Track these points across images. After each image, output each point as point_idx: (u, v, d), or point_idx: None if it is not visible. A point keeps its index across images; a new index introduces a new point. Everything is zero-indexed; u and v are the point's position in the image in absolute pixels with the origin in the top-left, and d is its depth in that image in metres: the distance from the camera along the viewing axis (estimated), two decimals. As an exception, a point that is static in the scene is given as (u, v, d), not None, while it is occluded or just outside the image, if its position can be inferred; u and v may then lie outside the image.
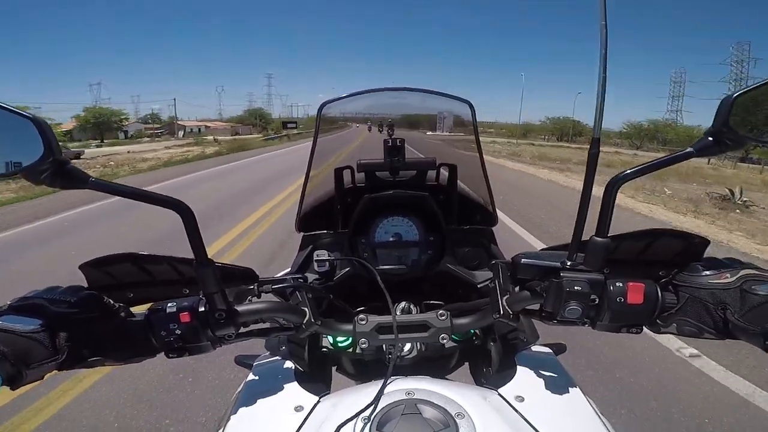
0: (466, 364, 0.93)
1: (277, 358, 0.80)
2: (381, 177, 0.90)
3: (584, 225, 0.56)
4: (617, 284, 0.55)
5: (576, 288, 0.54)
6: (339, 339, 0.82)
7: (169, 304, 0.56)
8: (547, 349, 0.81)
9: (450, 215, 0.90)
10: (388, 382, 0.60)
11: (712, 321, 0.53)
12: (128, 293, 0.64)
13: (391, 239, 0.87)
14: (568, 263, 0.57)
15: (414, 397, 0.58)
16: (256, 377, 0.75)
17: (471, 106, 0.86)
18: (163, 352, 0.58)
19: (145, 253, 0.63)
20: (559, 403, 0.65)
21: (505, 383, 0.67)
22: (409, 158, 0.87)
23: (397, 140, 0.84)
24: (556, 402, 0.65)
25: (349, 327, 0.70)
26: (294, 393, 0.67)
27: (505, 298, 0.65)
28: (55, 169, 0.44)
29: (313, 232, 0.90)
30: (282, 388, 0.68)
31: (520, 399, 0.64)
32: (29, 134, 0.43)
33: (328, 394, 0.67)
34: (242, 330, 0.61)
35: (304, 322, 0.64)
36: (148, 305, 0.59)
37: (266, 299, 0.66)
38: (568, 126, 77.76)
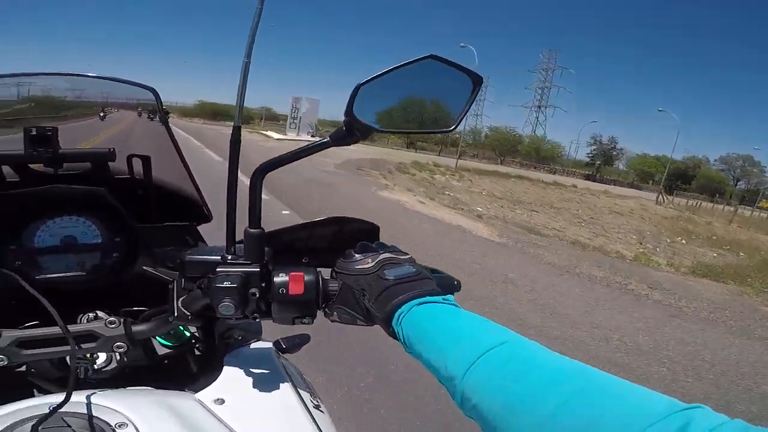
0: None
1: None
2: (42, 171, 0.73)
3: (236, 214, 0.54)
4: (280, 275, 0.55)
5: (225, 284, 0.52)
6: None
7: None
8: (266, 345, 0.79)
9: (147, 211, 0.79)
10: (43, 399, 0.53)
11: (359, 308, 0.54)
12: None
13: (59, 243, 0.73)
14: (229, 257, 0.55)
15: (64, 410, 0.49)
16: None
17: (155, 93, 0.76)
18: None
19: None
20: (264, 402, 0.63)
21: (207, 386, 0.63)
22: (70, 149, 0.72)
23: (47, 129, 0.68)
24: (260, 401, 0.63)
25: None
26: None
27: (181, 299, 0.61)
28: None
29: None
30: None
31: (220, 401, 0.60)
32: None
33: None
34: None
35: None
36: None
37: None
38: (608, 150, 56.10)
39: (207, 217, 0.85)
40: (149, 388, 0.65)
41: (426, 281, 0.51)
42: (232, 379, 0.66)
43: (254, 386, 0.65)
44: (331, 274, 0.59)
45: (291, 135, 29.29)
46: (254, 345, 0.78)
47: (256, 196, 0.52)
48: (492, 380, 0.35)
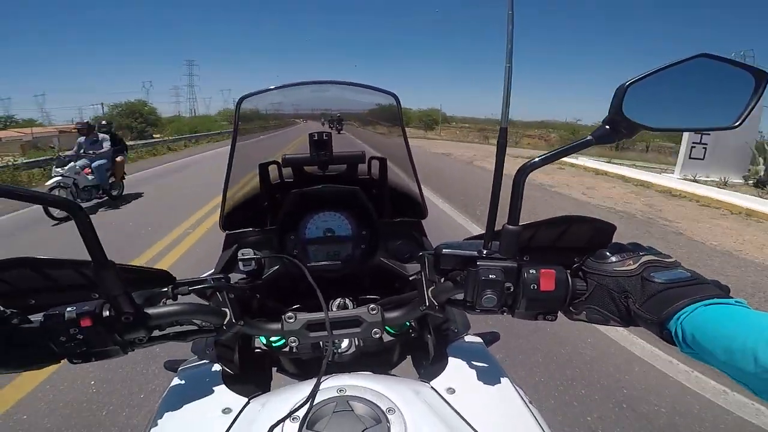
0: (410, 357, 0.94)
1: (204, 361, 0.77)
2: (310, 172, 0.89)
3: (497, 213, 0.57)
4: (531, 271, 0.56)
5: (491, 276, 0.55)
6: (273, 339, 0.81)
7: (68, 309, 0.53)
8: (478, 339, 0.82)
9: (382, 209, 0.90)
10: (321, 380, 0.59)
11: (616, 309, 0.54)
12: (29, 300, 0.59)
13: (323, 235, 0.86)
14: (485, 252, 0.57)
15: (345, 393, 0.57)
16: (182, 381, 0.73)
17: (396, 99, 0.87)
18: (66, 358, 0.55)
19: (44, 257, 0.58)
20: (489, 394, 0.66)
21: (438, 375, 0.68)
22: (337, 152, 0.86)
23: (324, 134, 0.84)
24: (486, 393, 0.66)
25: (277, 326, 0.68)
26: (222, 395, 0.66)
27: (430, 289, 0.65)
28: None
29: (238, 230, 0.87)
30: (209, 391, 0.66)
31: (452, 391, 0.64)
32: None
33: (259, 395, 0.65)
34: (157, 333, 0.59)
35: (225, 323, 0.63)
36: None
37: (183, 301, 0.63)
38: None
39: (424, 214, 0.92)
40: (368, 372, 0.70)
41: (706, 286, 0.49)
42: (458, 370, 0.70)
43: (479, 378, 0.68)
44: (576, 273, 0.59)
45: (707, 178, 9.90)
46: (467, 338, 0.82)
47: (518, 194, 0.54)
48: None
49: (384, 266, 0.86)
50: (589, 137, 0.53)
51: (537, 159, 0.55)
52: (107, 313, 0.53)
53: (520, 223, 0.55)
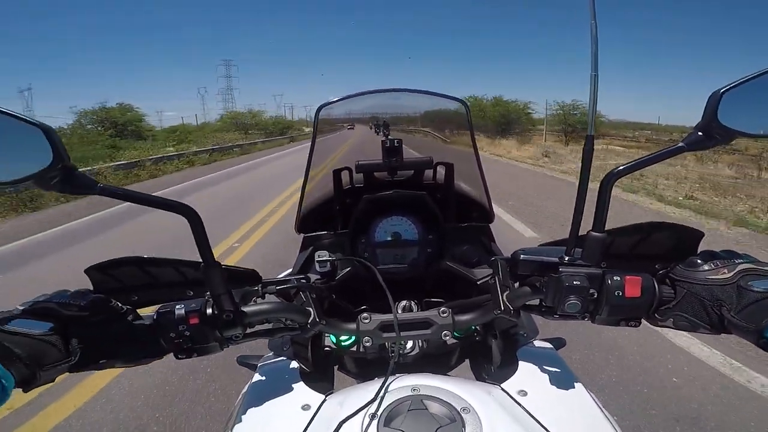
0: (467, 360, 0.94)
1: (281, 358, 0.81)
2: (379, 177, 0.91)
3: (581, 220, 0.57)
4: (615, 278, 0.56)
5: (575, 282, 0.55)
6: (342, 338, 0.84)
7: (177, 306, 0.57)
8: (547, 344, 0.82)
9: (448, 213, 0.91)
10: (391, 379, 0.61)
11: (707, 317, 0.53)
12: (133, 296, 0.64)
13: (390, 239, 0.89)
14: (567, 258, 0.57)
15: (419, 393, 0.59)
16: (262, 377, 0.76)
17: (465, 105, 0.88)
18: (171, 353, 0.59)
19: (150, 257, 0.63)
20: (562, 397, 0.66)
21: (508, 378, 0.68)
22: (406, 158, 0.88)
23: (395, 141, 0.85)
24: (559, 396, 0.66)
25: (353, 326, 0.71)
26: (300, 392, 0.69)
27: (505, 294, 0.66)
28: (64, 175, 0.45)
29: (313, 233, 0.91)
30: (288, 388, 0.69)
31: (523, 393, 0.65)
32: (37, 141, 0.43)
33: (334, 392, 0.68)
34: (248, 330, 0.62)
35: (309, 321, 0.66)
36: (153, 307, 0.60)
37: (271, 300, 0.67)
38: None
39: (490, 219, 0.92)
40: (428, 374, 0.70)
41: None
42: (528, 374, 0.70)
43: (551, 382, 0.68)
44: (662, 280, 0.58)
45: None
46: (536, 343, 0.82)
47: (604, 200, 0.53)
48: None
49: (449, 270, 0.87)
50: (681, 144, 0.52)
51: (623, 167, 0.54)
52: (210, 310, 0.57)
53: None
